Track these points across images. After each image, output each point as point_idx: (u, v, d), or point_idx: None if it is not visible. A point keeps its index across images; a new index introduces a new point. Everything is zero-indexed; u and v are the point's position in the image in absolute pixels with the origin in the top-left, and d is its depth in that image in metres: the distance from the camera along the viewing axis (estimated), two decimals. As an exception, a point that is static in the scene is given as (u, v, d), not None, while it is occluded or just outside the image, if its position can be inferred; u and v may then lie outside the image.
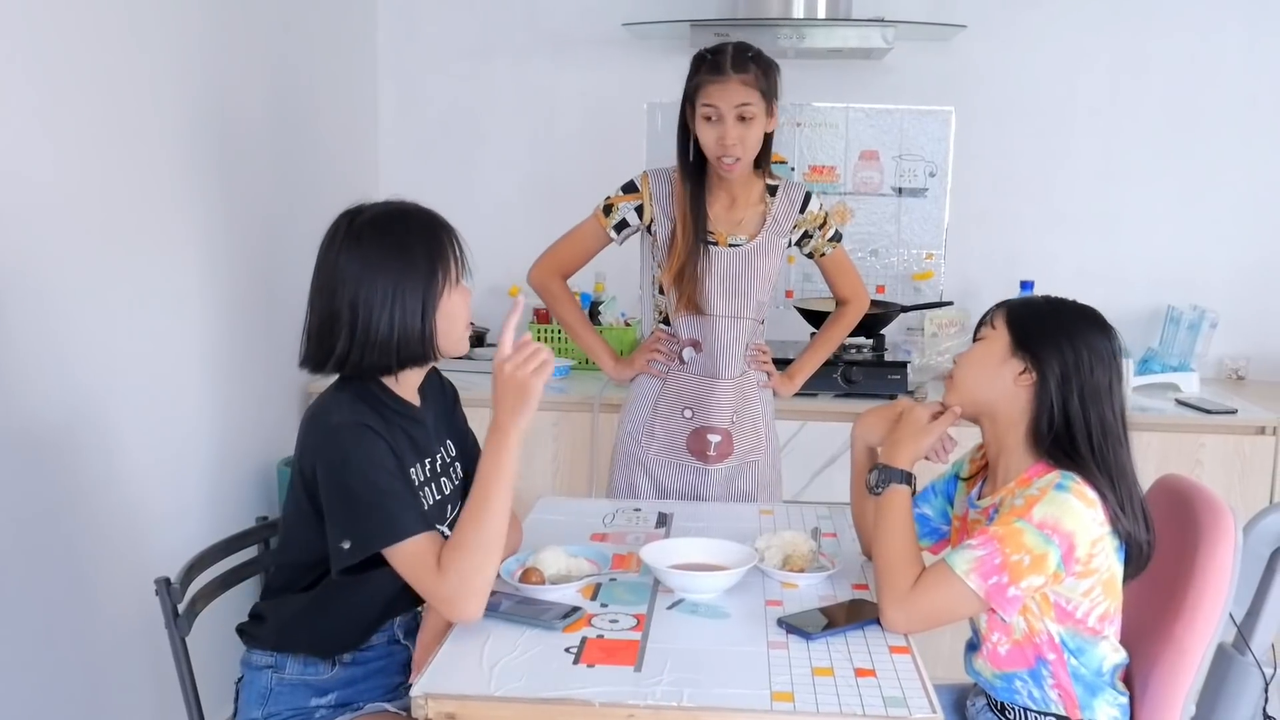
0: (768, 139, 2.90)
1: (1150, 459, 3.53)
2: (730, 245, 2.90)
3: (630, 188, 2.98)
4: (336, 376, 2.11)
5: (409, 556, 1.91)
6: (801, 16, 3.93)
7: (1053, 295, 2.14)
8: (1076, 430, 1.99)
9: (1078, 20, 4.20)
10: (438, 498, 2.14)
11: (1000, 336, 2.06)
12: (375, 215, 2.05)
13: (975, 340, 2.14)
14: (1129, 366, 3.93)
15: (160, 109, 2.99)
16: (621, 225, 2.98)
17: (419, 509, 1.97)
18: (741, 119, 2.76)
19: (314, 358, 2.08)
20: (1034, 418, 2.03)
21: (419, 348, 2.03)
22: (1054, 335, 2.01)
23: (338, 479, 1.94)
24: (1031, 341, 2.02)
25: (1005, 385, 2.04)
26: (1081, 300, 2.11)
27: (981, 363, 2.08)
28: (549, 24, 4.38)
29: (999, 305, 2.12)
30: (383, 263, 2.00)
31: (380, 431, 1.98)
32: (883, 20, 3.90)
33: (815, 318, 3.94)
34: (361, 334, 2.00)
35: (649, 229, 2.96)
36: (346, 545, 1.91)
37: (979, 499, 2.14)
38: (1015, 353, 2.03)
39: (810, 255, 3.03)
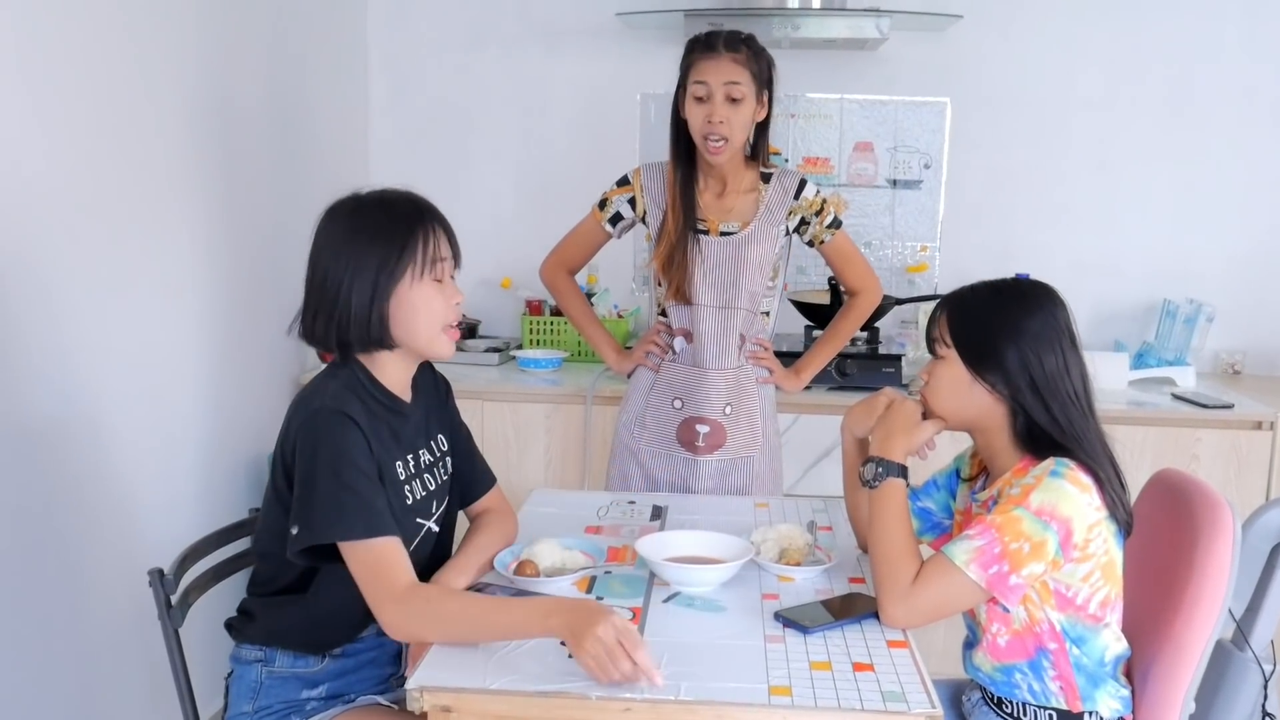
0: (762, 129, 2.90)
1: (1146, 454, 3.53)
2: (722, 234, 2.89)
3: (623, 181, 3.02)
4: (326, 365, 2.11)
5: (358, 560, 1.90)
6: (796, 6, 3.91)
7: (982, 285, 2.10)
8: (1045, 424, 1.99)
9: (1074, 11, 4.19)
10: (422, 494, 2.13)
11: (956, 361, 2.05)
12: (359, 199, 2.07)
13: (931, 351, 2.12)
14: (1123, 360, 3.93)
15: (152, 102, 2.97)
16: (616, 219, 3.03)
17: (381, 512, 1.93)
18: (731, 99, 2.77)
19: (301, 327, 2.10)
20: (1012, 423, 2.03)
21: (367, 331, 2.02)
22: (1002, 347, 2.00)
23: (306, 463, 1.93)
24: (987, 365, 2.01)
25: (982, 403, 2.04)
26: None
27: (952, 389, 2.06)
28: (541, 14, 4.36)
29: (940, 312, 2.10)
30: (346, 240, 2.01)
31: (360, 423, 1.97)
32: (878, 10, 3.88)
33: (809, 310, 3.93)
34: (326, 309, 2.02)
35: (643, 221, 2.98)
36: (295, 531, 1.91)
37: (979, 492, 2.13)
38: (976, 376, 2.02)
39: (811, 244, 3.01)
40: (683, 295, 2.90)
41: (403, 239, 2.01)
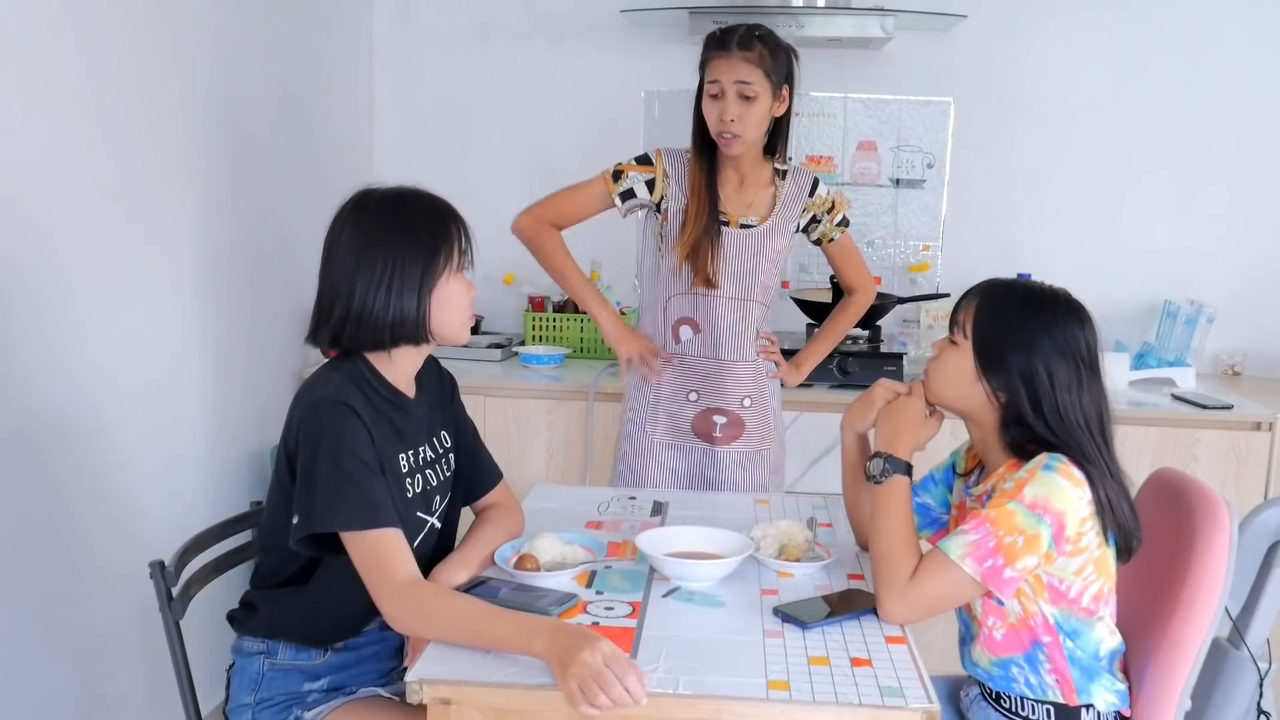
0: (780, 124, 2.90)
1: (1146, 454, 3.54)
2: (742, 226, 2.90)
3: (644, 160, 2.96)
4: (328, 359, 2.11)
5: (359, 550, 1.91)
6: (800, 5, 3.92)
7: (1020, 288, 2.09)
8: (1044, 439, 1.99)
9: (1078, 12, 4.20)
10: (421, 489, 2.14)
11: (968, 353, 2.05)
12: (386, 194, 2.07)
13: (950, 333, 2.12)
14: (1124, 360, 3.94)
15: (156, 97, 2.98)
16: (628, 195, 2.96)
17: (381, 503, 1.94)
18: (743, 96, 2.77)
19: (315, 331, 2.08)
20: (1002, 427, 2.04)
21: (412, 328, 2.03)
22: (1012, 357, 2.00)
23: (307, 453, 1.94)
24: (994, 368, 2.02)
25: (979, 400, 2.05)
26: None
27: (956, 377, 2.07)
28: (546, 10, 4.36)
29: (970, 300, 2.09)
30: (384, 238, 2.01)
31: (362, 415, 1.97)
32: (882, 10, 3.89)
33: (811, 308, 3.94)
34: (358, 307, 2.00)
35: (658, 207, 2.95)
36: (295, 519, 1.93)
37: (974, 487, 2.14)
38: (981, 375, 2.03)
39: (818, 242, 3.02)
40: (709, 282, 2.89)
41: (441, 233, 2.05)
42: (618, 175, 2.96)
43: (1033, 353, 1.99)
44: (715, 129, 2.81)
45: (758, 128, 2.82)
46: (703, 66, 2.84)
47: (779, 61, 2.82)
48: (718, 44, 2.81)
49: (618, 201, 2.96)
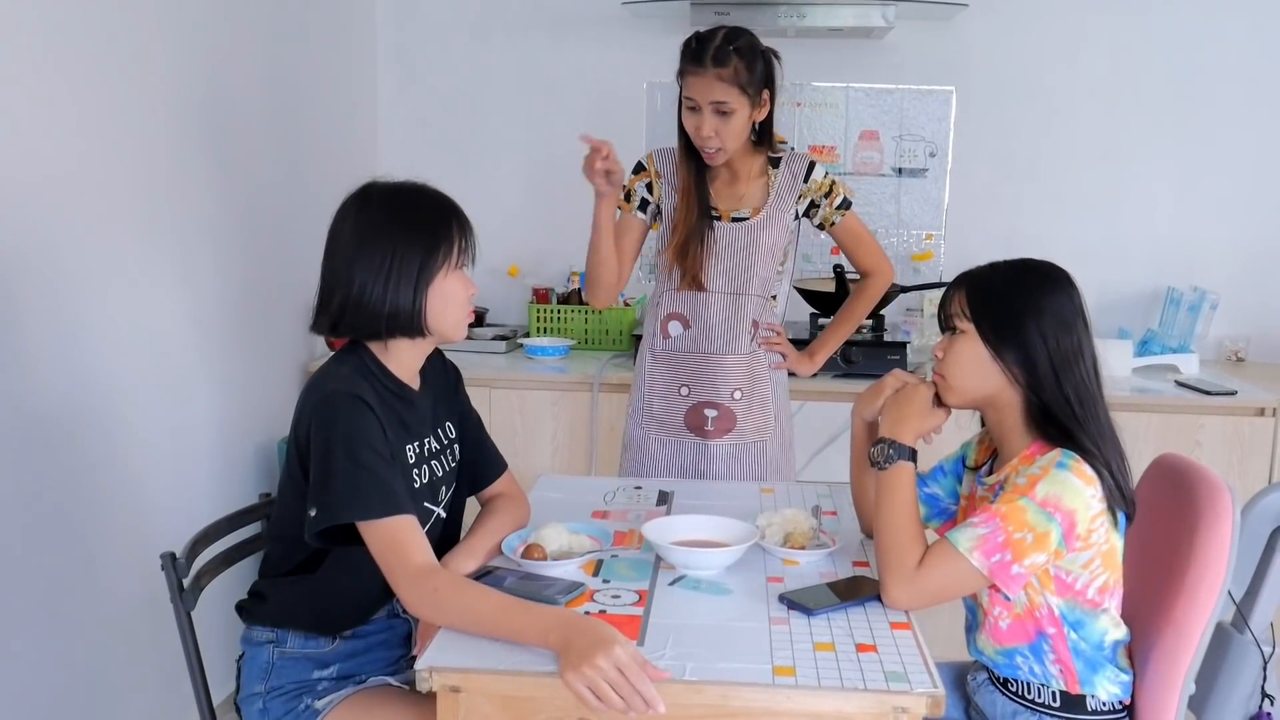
0: (766, 122, 2.90)
1: (1149, 440, 3.53)
2: (734, 220, 2.90)
3: (638, 168, 3.01)
4: (335, 352, 2.12)
5: (376, 538, 1.93)
6: (801, -5, 3.92)
7: (1002, 264, 2.11)
8: (1058, 408, 2.00)
9: (1080, 0, 4.20)
10: (427, 479, 2.16)
11: (975, 337, 2.05)
12: (390, 187, 2.10)
13: (948, 330, 2.11)
14: (1127, 347, 3.94)
15: (159, 91, 2.99)
16: (644, 204, 2.99)
17: (397, 491, 1.96)
18: (719, 113, 2.76)
19: (317, 319, 2.11)
20: (1026, 403, 2.04)
21: (407, 320, 2.05)
22: (1022, 325, 2.00)
23: (321, 446, 1.96)
24: (1007, 341, 2.02)
25: (998, 381, 2.04)
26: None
27: (973, 362, 2.06)
28: (549, 2, 4.37)
29: (958, 288, 2.09)
30: (385, 231, 2.03)
31: (373, 406, 2.00)
32: (883, -1, 3.90)
33: (814, 298, 3.94)
34: (355, 296, 2.03)
35: (658, 206, 2.98)
36: (313, 512, 1.94)
37: (986, 476, 2.14)
38: (997, 354, 2.03)
39: (821, 227, 3.01)
40: (697, 283, 2.90)
41: (442, 229, 2.06)
42: (627, 195, 2.99)
43: (1040, 318, 2.00)
44: (695, 142, 2.81)
45: (738, 138, 2.81)
46: (679, 76, 2.81)
47: (755, 73, 2.76)
48: (692, 58, 2.75)
49: (639, 215, 3.00)
